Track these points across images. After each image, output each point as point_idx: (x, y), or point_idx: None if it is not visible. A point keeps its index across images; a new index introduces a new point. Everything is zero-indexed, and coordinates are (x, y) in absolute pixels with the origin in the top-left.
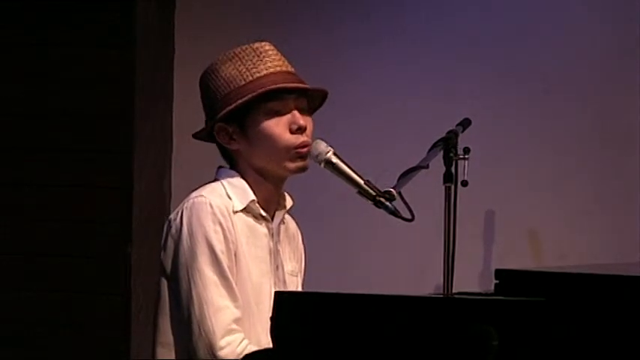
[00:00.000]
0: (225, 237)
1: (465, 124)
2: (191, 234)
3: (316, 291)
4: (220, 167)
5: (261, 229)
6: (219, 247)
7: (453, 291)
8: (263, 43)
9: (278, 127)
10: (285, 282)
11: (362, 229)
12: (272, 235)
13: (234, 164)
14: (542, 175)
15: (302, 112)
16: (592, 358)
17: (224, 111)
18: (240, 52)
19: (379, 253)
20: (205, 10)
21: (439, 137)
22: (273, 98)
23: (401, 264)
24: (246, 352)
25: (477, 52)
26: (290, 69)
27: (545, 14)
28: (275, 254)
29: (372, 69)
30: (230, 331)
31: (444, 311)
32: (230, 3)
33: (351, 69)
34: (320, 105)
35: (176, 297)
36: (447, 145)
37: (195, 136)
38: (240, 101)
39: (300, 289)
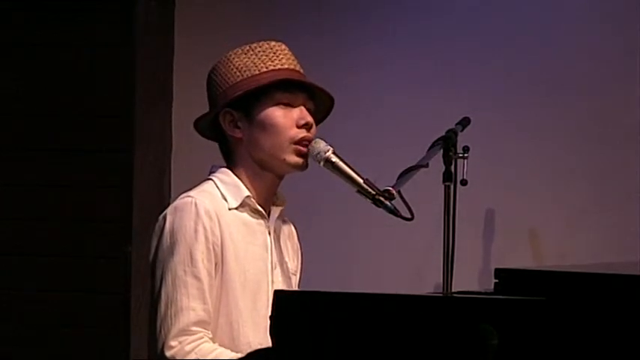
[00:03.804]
0: (206, 238)
1: (465, 123)
2: (171, 233)
3: (315, 290)
4: (213, 166)
5: (258, 226)
6: (199, 248)
7: (453, 290)
8: (279, 43)
9: (285, 119)
10: (290, 278)
11: (361, 229)
12: (269, 232)
13: (231, 158)
14: (542, 174)
15: (309, 113)
16: (592, 358)
17: (235, 94)
18: (255, 47)
19: (378, 252)
20: (205, 9)
21: (439, 136)
22: (285, 90)
23: (400, 263)
24: (197, 350)
25: (476, 51)
26: (301, 71)
27: (546, 14)
28: (275, 251)
29: (371, 69)
30: (186, 332)
31: (443, 310)
32: (230, 3)
33: (351, 68)
34: (322, 119)
35: (150, 294)
36: (447, 144)
37: (197, 124)
38: (254, 86)
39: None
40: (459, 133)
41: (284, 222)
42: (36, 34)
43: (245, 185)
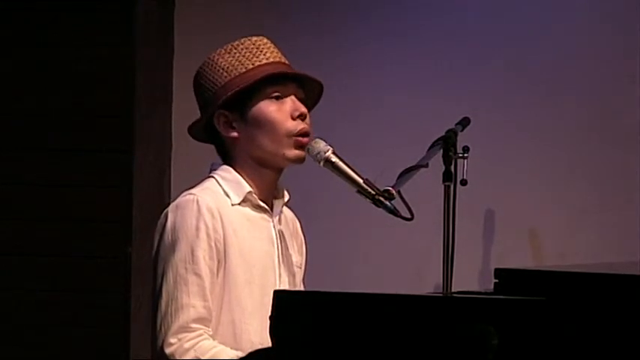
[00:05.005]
0: (208, 236)
1: (465, 123)
2: (173, 231)
3: (315, 290)
4: (214, 163)
5: (262, 220)
6: (200, 245)
7: (453, 290)
8: (260, 37)
9: (280, 112)
10: (294, 275)
11: (361, 228)
12: (274, 225)
13: (229, 157)
14: (542, 174)
15: (301, 102)
16: (592, 358)
17: (226, 96)
18: (237, 45)
19: (378, 252)
20: (205, 9)
21: (439, 136)
22: (275, 83)
23: (400, 263)
24: (196, 347)
25: (476, 51)
26: (287, 62)
27: (546, 14)
28: (280, 246)
29: (371, 68)
30: (185, 329)
31: (443, 310)
32: (230, 3)
33: (351, 68)
34: (314, 105)
35: (152, 292)
36: (447, 143)
37: (191, 130)
38: (243, 85)
39: (301, 283)
40: (459, 133)
41: (287, 215)
42: (36, 34)
43: (249, 180)
